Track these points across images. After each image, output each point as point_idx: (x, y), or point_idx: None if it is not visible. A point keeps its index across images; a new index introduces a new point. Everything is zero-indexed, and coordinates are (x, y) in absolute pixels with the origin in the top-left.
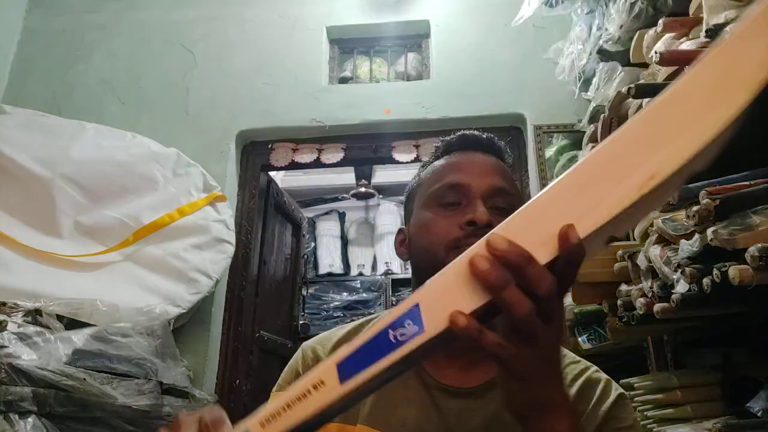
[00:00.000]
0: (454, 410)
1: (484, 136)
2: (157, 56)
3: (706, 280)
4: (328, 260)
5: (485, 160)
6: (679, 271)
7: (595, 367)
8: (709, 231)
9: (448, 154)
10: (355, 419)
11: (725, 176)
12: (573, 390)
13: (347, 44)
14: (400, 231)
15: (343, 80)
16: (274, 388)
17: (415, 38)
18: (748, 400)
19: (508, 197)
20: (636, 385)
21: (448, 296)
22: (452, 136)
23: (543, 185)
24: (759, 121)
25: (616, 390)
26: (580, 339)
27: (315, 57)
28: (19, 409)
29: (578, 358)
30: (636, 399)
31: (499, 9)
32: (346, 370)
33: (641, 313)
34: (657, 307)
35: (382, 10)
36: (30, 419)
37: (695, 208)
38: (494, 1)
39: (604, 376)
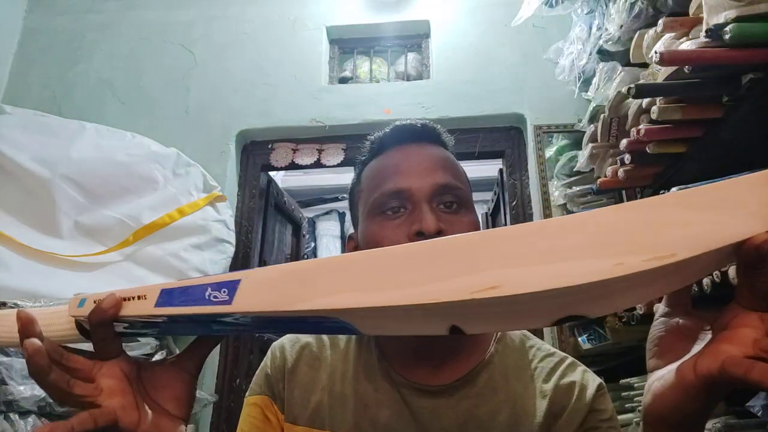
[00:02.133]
0: (426, 409)
1: (418, 125)
2: (157, 56)
3: (706, 280)
4: None
5: (423, 154)
6: None
7: (570, 359)
8: None
9: (384, 152)
10: (322, 424)
11: (725, 176)
12: (549, 385)
13: (347, 44)
14: (350, 238)
15: (343, 80)
16: (248, 393)
17: (415, 38)
18: (748, 400)
19: (455, 191)
20: (636, 385)
21: (294, 287)
22: (385, 130)
23: (543, 185)
24: (759, 122)
25: (594, 381)
26: (580, 339)
27: (315, 57)
28: (19, 409)
29: (552, 349)
30: (636, 399)
31: (499, 9)
32: (164, 298)
33: (641, 313)
34: (657, 306)
35: (382, 10)
36: (30, 419)
37: None
38: (494, 1)
39: (580, 367)
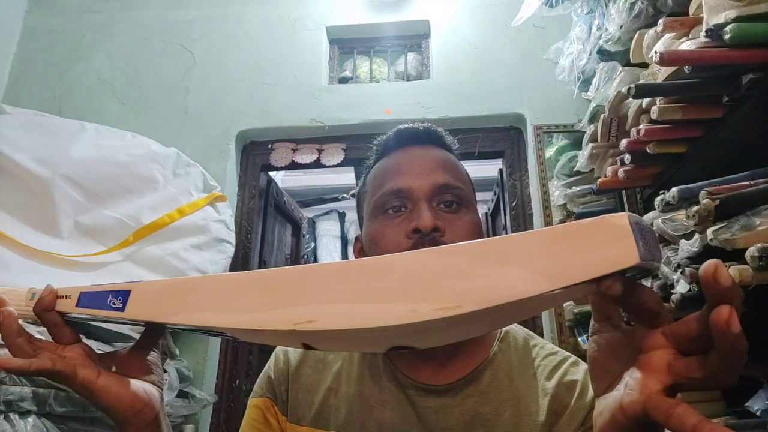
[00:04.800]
0: (431, 408)
1: (421, 127)
2: (156, 56)
3: None
4: (328, 260)
5: (424, 156)
6: (679, 271)
7: (573, 358)
8: (709, 231)
9: (388, 154)
10: (326, 425)
11: (725, 176)
12: (552, 383)
13: (347, 44)
14: (357, 239)
15: (343, 80)
16: (251, 395)
17: (415, 38)
18: (747, 400)
19: (455, 190)
20: None
21: (157, 302)
22: (389, 133)
23: (543, 185)
24: (759, 122)
25: None
26: (580, 339)
27: (315, 57)
28: (19, 409)
29: (556, 348)
30: None
31: (499, 9)
32: (83, 299)
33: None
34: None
35: (382, 10)
36: (30, 419)
37: (695, 208)
38: (494, 1)
39: (582, 366)
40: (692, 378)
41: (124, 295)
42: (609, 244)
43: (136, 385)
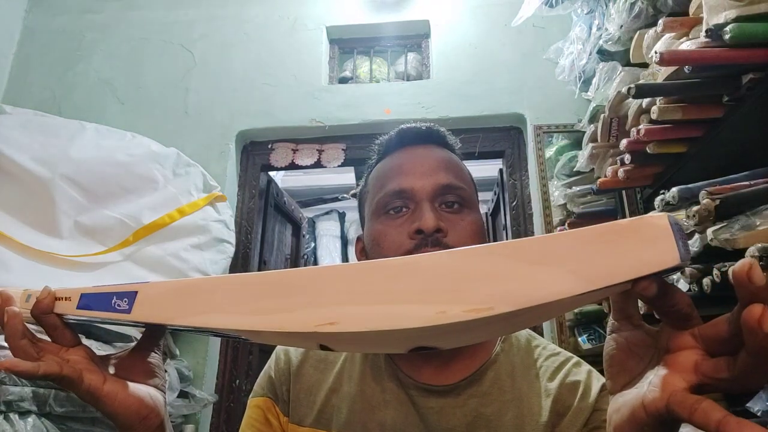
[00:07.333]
0: (433, 409)
1: (423, 127)
2: (156, 56)
3: (706, 280)
4: (328, 260)
5: (427, 156)
6: (679, 271)
7: (575, 359)
8: (709, 231)
9: (390, 154)
10: (328, 425)
11: (725, 176)
12: (554, 384)
13: (347, 44)
14: (358, 239)
15: (343, 80)
16: (251, 395)
17: (415, 38)
18: (748, 401)
19: (457, 190)
20: None
21: (175, 302)
22: (391, 133)
23: (543, 185)
24: (759, 122)
25: (598, 381)
26: (580, 339)
27: (315, 57)
28: (19, 409)
29: (558, 349)
30: None
31: (499, 9)
32: (84, 301)
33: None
34: None
35: (382, 10)
36: (30, 419)
37: (695, 208)
38: (494, 1)
39: (585, 367)
40: (719, 378)
41: (130, 296)
42: (649, 244)
43: (141, 390)
